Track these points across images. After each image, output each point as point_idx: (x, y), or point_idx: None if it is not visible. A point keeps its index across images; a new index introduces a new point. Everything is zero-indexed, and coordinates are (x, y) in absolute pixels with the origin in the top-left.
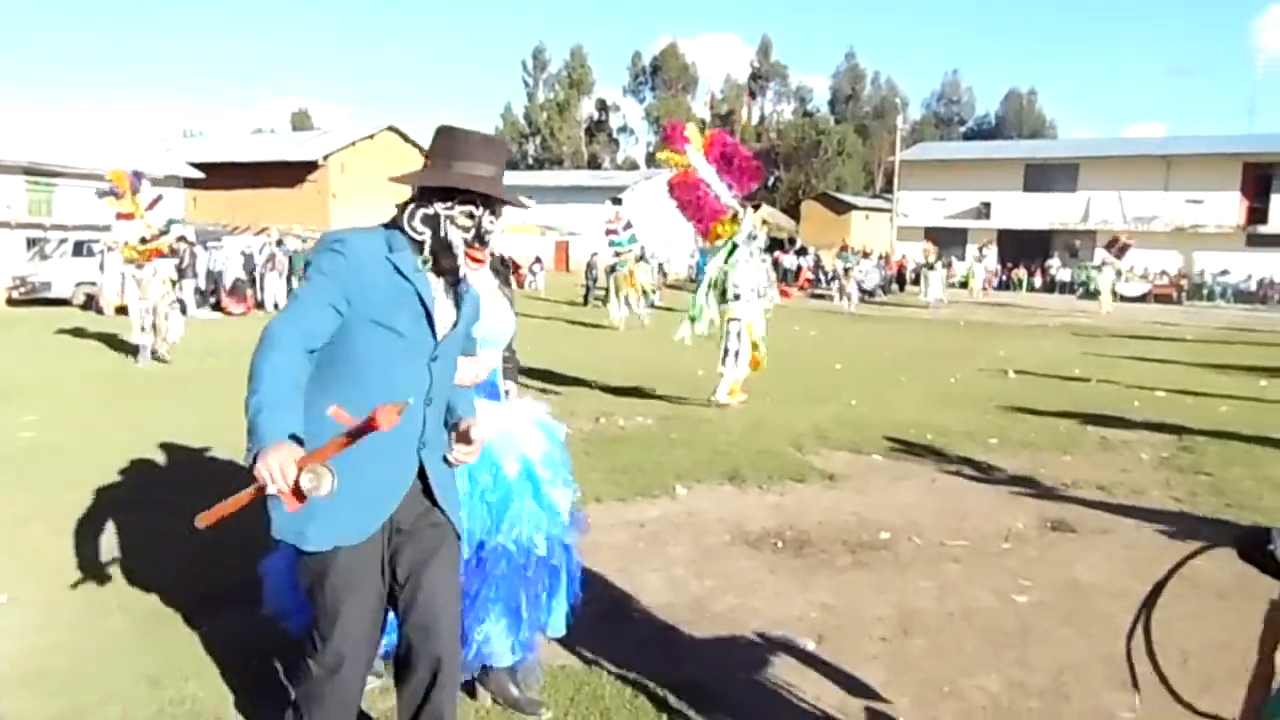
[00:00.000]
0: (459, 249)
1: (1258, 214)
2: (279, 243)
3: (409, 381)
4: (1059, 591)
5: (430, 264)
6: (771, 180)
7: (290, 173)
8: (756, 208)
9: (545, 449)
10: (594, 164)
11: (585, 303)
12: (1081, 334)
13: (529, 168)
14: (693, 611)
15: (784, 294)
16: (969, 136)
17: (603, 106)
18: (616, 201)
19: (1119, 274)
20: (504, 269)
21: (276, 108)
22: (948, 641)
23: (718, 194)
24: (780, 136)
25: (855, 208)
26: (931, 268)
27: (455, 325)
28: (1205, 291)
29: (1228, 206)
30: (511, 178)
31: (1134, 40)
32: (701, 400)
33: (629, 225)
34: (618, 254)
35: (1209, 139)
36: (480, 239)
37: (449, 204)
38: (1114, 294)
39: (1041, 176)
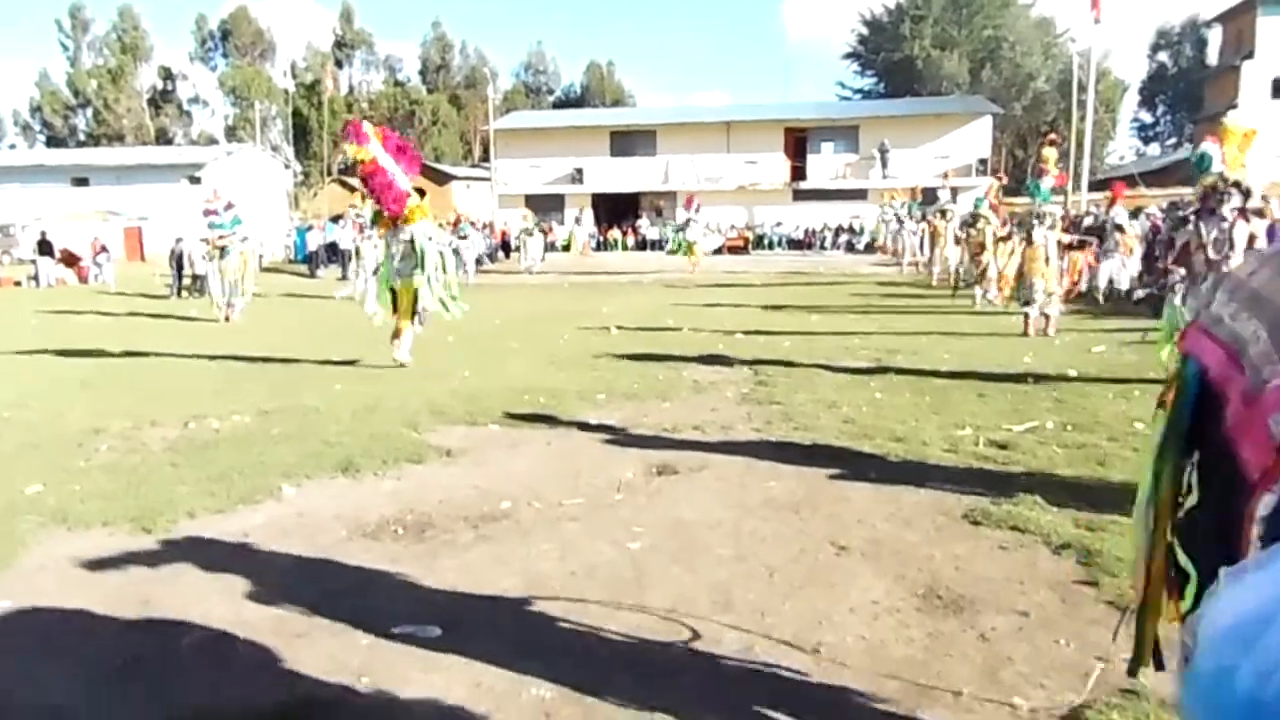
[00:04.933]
0: None
1: (799, 172)
2: None
3: None
4: (667, 532)
5: None
6: None
7: None
8: (422, 193)
9: None
10: (163, 139)
11: (179, 294)
12: (673, 286)
13: (80, 144)
14: (308, 622)
15: None
16: (558, 105)
17: (168, 75)
18: (195, 181)
19: (705, 230)
20: None
21: None
22: (573, 599)
23: (399, 180)
24: (372, 107)
25: (455, 178)
26: (530, 234)
27: None
28: (766, 242)
29: (777, 166)
30: (60, 155)
31: (694, 16)
32: (318, 394)
33: (230, 205)
34: (222, 237)
35: (758, 107)
36: None
37: None
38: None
39: (626, 143)
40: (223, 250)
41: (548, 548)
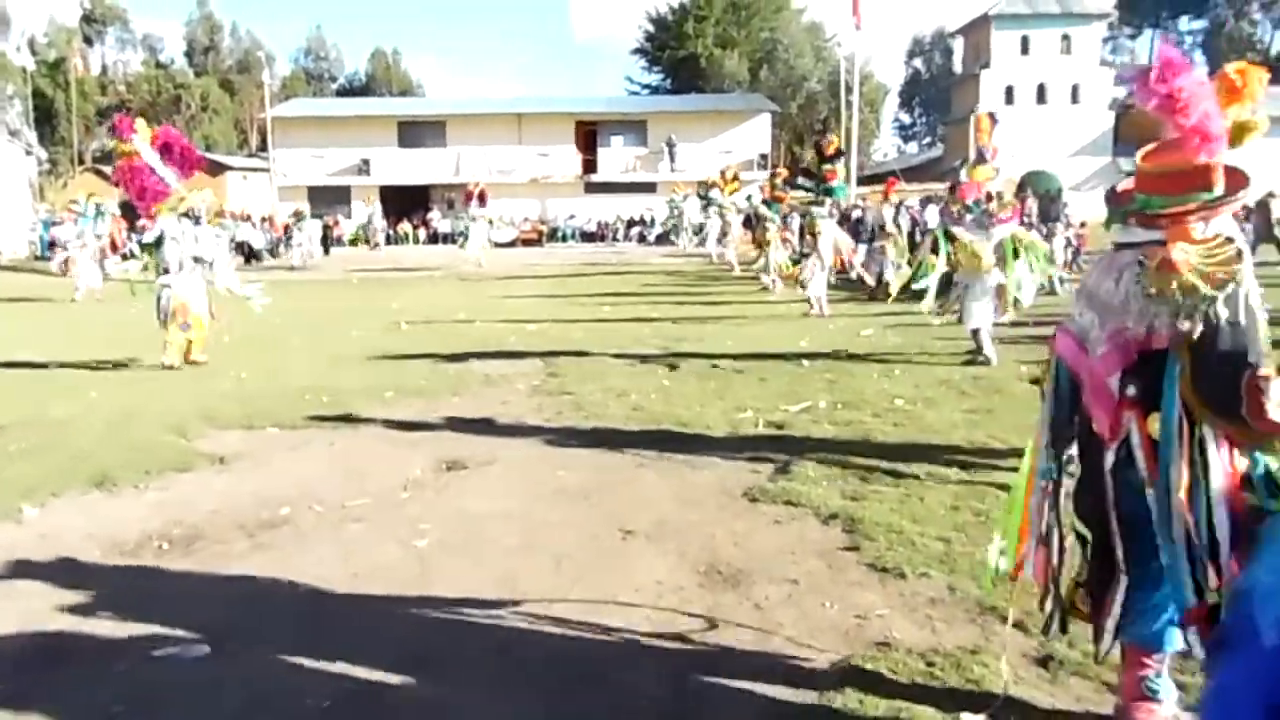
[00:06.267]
0: None
1: (590, 165)
2: None
3: None
4: (455, 527)
5: None
6: None
7: None
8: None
9: None
10: None
11: None
12: (467, 280)
13: None
14: (52, 653)
15: None
16: (341, 93)
17: None
18: None
19: (491, 223)
20: None
21: None
22: (356, 603)
23: (162, 177)
24: (130, 90)
25: (231, 168)
26: (300, 227)
27: None
28: (559, 234)
29: (568, 159)
30: None
31: (481, 6)
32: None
33: None
34: None
35: (549, 99)
36: None
37: None
38: (490, 241)
39: (415, 134)
40: None
41: (329, 551)
